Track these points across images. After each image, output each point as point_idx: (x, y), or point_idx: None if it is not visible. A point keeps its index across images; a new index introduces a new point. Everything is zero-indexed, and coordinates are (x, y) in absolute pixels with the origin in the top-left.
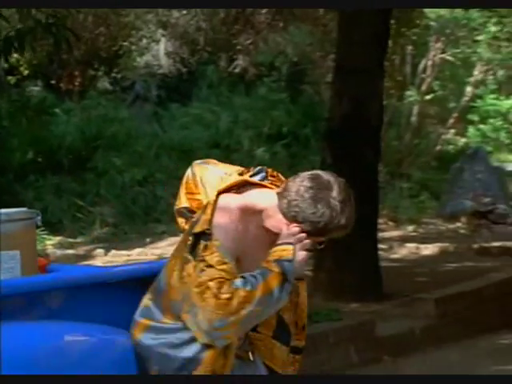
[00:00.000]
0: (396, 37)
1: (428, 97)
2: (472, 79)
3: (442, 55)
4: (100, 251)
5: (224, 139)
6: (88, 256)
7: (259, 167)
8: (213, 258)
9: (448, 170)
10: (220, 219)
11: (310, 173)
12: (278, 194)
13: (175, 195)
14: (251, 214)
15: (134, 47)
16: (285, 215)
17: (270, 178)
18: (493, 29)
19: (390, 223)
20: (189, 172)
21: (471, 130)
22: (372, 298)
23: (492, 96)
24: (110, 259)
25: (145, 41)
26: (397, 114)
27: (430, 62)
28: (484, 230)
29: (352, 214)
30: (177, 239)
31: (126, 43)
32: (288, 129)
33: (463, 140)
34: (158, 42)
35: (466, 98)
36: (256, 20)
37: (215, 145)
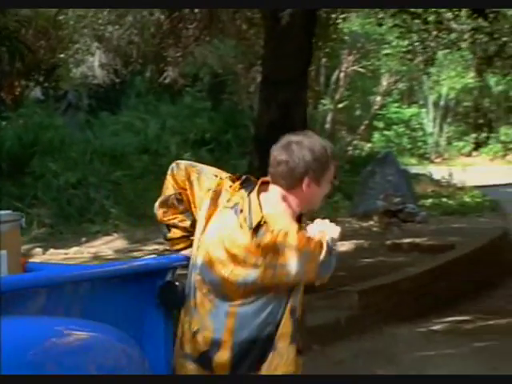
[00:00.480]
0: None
1: (340, 105)
2: (380, 89)
3: (354, 67)
4: (38, 250)
5: (153, 145)
6: (27, 255)
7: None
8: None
9: (358, 173)
10: (272, 210)
11: (280, 144)
12: (272, 175)
13: (108, 197)
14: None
15: (70, 59)
16: (296, 180)
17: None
18: (400, 43)
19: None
20: (174, 167)
21: (376, 135)
22: None
23: (396, 105)
24: (48, 257)
25: (81, 53)
26: (312, 122)
27: (342, 74)
28: (395, 227)
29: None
30: (110, 238)
31: (63, 55)
32: (211, 135)
33: (369, 145)
34: (93, 54)
35: (375, 107)
36: (184, 34)
37: (144, 150)
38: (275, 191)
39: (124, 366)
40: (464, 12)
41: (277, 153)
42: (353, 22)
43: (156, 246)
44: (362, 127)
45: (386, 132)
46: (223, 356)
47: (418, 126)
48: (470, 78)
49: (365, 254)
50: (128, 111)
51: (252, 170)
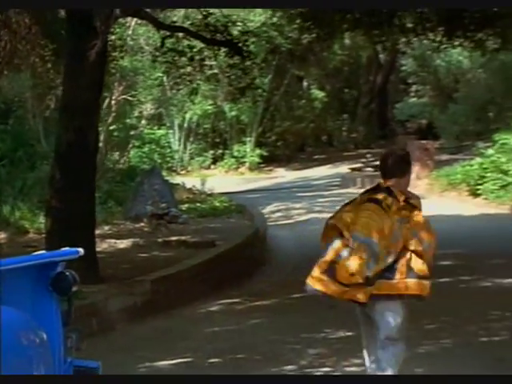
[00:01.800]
0: None
1: (112, 127)
2: (141, 114)
3: (123, 96)
4: None
5: None
6: None
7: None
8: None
9: (126, 183)
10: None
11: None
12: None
13: None
14: None
15: None
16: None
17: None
18: (160, 74)
19: None
20: None
21: (133, 152)
22: (94, 281)
23: (149, 127)
24: None
25: None
26: None
27: (113, 101)
28: (162, 228)
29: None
30: None
31: None
32: (2, 153)
33: (127, 159)
34: None
35: (140, 129)
36: None
37: None
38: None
39: (30, 341)
40: (222, 52)
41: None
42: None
43: None
44: (130, 145)
45: (142, 149)
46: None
47: (166, 144)
48: (209, 105)
49: (142, 250)
50: None
51: (54, 182)
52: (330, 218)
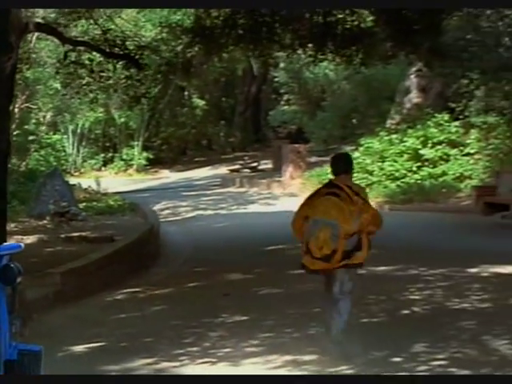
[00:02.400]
0: None
1: (14, 133)
2: (42, 120)
3: (26, 104)
4: None
5: None
6: None
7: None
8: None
9: (27, 184)
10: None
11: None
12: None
13: None
14: None
15: None
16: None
17: None
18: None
19: None
20: None
21: (32, 155)
22: None
23: (46, 131)
24: None
25: None
26: None
27: (16, 109)
28: (64, 225)
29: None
30: None
31: None
32: None
33: (24, 163)
34: None
35: (41, 134)
36: None
37: None
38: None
39: None
40: (120, 64)
41: None
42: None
43: None
44: (32, 149)
45: (39, 153)
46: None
47: (61, 148)
48: (100, 113)
49: (47, 245)
50: None
51: None
52: (298, 211)
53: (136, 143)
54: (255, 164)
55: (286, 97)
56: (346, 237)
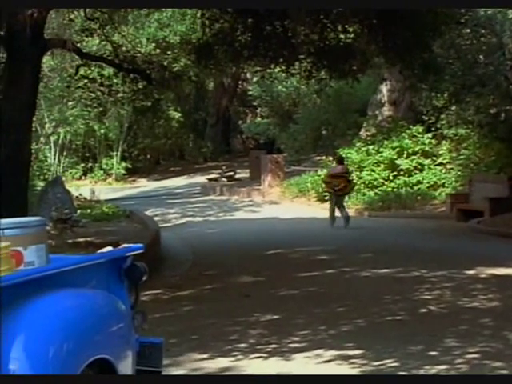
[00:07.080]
0: None
1: None
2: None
3: None
4: None
5: None
6: None
7: None
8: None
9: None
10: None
11: None
12: None
13: None
14: None
15: None
16: None
17: None
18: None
19: None
20: None
21: None
22: None
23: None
24: None
25: None
26: None
27: None
28: (68, 231)
29: None
30: None
31: None
32: None
33: None
34: None
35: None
36: None
37: None
38: None
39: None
40: (128, 79)
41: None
42: None
43: None
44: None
45: None
46: None
47: (43, 158)
48: (81, 125)
49: (56, 250)
50: None
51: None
52: (324, 179)
53: (115, 153)
54: (232, 173)
55: (259, 109)
56: None
